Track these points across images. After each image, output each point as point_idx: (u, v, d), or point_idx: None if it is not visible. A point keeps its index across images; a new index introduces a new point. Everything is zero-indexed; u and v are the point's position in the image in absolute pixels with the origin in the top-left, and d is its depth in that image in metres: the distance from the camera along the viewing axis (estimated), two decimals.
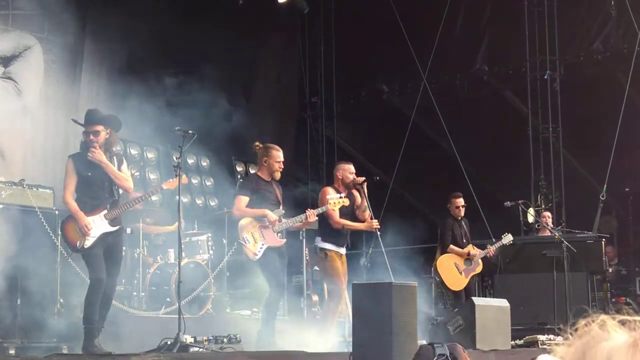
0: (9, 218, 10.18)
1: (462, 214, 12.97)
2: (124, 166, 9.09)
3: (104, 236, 8.74)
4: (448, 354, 4.64)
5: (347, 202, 9.87)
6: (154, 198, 13.64)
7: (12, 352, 9.24)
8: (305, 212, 9.68)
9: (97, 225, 8.72)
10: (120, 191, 8.99)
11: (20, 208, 9.97)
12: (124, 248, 9.55)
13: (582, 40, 16.04)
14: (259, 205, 9.53)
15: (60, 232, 9.00)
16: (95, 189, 8.84)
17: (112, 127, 9.01)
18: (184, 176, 9.39)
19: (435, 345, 4.67)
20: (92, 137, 8.83)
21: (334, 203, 9.75)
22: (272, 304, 9.79)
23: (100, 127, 8.85)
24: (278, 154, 9.75)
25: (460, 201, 12.97)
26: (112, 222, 8.81)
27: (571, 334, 1.97)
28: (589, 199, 15.25)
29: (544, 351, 10.47)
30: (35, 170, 12.21)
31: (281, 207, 9.75)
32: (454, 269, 12.62)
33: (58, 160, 11.88)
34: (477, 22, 16.70)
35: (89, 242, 8.67)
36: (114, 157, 8.97)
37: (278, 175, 9.77)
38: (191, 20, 14.46)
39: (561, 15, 15.80)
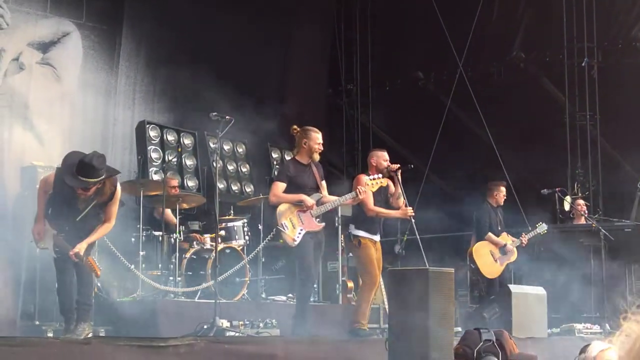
0: None
1: (502, 202, 12.98)
2: (113, 203, 8.29)
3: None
4: (494, 340, 4.61)
5: (385, 182, 9.81)
6: (190, 184, 13.71)
7: (50, 334, 9.33)
8: (355, 190, 9.61)
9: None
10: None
11: None
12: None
13: (621, 27, 15.91)
14: (296, 191, 9.51)
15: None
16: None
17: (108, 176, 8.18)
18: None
19: (481, 330, 4.65)
20: (80, 191, 8.00)
21: (372, 184, 9.72)
22: (302, 288, 9.77)
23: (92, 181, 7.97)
24: (317, 136, 9.70)
25: (504, 190, 13.00)
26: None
27: (623, 320, 1.94)
28: (626, 188, 15.14)
29: (581, 340, 10.47)
30: None
31: (321, 190, 9.71)
32: (489, 256, 12.58)
33: (96, 146, 11.89)
34: (514, 9, 16.58)
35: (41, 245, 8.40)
36: (98, 198, 8.13)
37: (317, 157, 9.70)
38: (227, 6, 14.49)
39: (599, 1, 15.66)
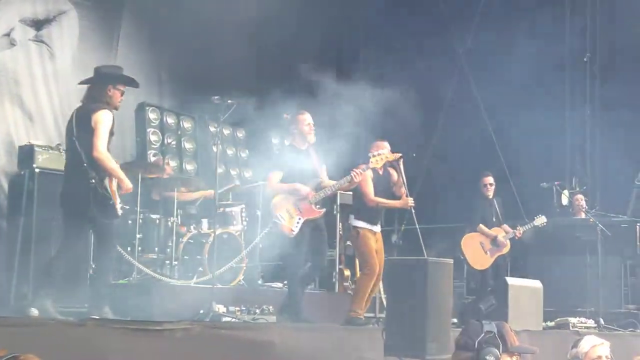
0: (45, 182, 10.25)
1: (491, 193, 12.83)
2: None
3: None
4: (496, 331, 4.60)
5: (391, 156, 9.56)
6: (189, 167, 13.64)
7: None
8: (350, 173, 9.37)
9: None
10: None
11: (56, 173, 9.92)
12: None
13: (624, 22, 15.88)
14: (294, 179, 9.33)
15: (105, 190, 8.10)
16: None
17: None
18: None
19: (483, 321, 4.65)
20: (122, 97, 8.37)
21: (375, 161, 9.45)
22: (306, 278, 9.70)
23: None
24: (303, 117, 9.50)
25: (488, 179, 12.85)
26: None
27: None
28: (624, 183, 15.13)
29: (576, 333, 10.45)
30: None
31: (321, 175, 9.51)
32: (479, 248, 12.55)
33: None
34: None
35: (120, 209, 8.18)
36: None
37: (312, 138, 9.49)
38: None
39: None
